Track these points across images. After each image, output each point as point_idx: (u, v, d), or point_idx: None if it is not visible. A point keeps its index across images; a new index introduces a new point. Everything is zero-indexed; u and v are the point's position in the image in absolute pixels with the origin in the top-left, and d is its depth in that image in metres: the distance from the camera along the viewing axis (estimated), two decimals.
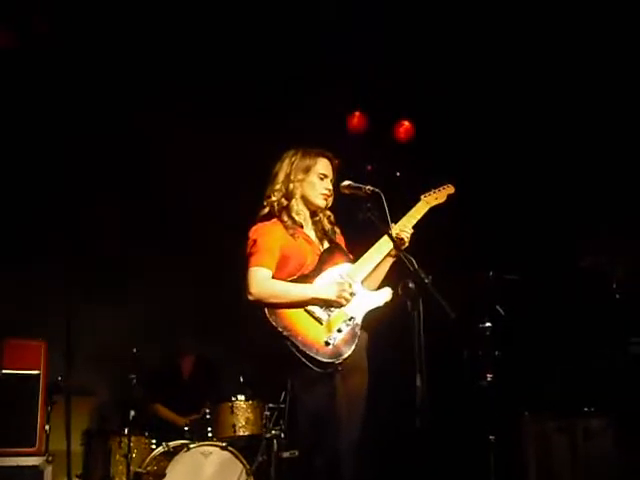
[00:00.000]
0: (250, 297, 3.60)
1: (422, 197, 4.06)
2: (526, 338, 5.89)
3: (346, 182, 3.78)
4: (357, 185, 3.73)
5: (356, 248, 3.89)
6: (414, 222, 3.92)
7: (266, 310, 3.55)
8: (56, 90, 5.98)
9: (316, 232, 3.93)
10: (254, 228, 3.81)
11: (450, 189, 4.16)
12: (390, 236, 3.63)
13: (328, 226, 3.95)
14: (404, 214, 3.96)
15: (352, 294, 3.65)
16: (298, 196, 3.87)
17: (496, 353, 4.95)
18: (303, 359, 3.46)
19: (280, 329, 3.50)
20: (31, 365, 5.27)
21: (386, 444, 6.06)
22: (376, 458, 5.27)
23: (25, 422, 5.18)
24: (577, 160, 6.20)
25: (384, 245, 3.79)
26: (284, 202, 3.85)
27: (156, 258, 6.43)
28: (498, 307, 5.01)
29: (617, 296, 5.22)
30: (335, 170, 3.95)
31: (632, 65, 5.86)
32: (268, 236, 3.74)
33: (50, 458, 5.14)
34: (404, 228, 3.85)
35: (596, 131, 6.12)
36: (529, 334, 5.92)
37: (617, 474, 5.02)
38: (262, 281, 3.62)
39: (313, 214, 3.94)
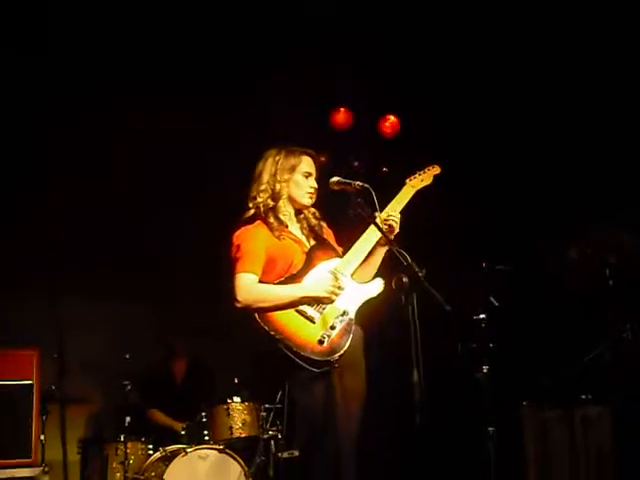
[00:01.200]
0: (238, 304, 3.56)
1: (407, 181, 4.00)
2: (521, 328, 5.88)
3: (335, 178, 3.74)
4: (346, 181, 3.70)
5: (348, 244, 3.85)
6: (401, 207, 3.87)
7: (256, 315, 3.52)
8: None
9: (302, 230, 3.89)
10: (237, 233, 3.75)
11: (436, 169, 4.09)
12: (376, 225, 3.60)
13: (314, 221, 3.91)
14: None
15: (340, 288, 3.61)
16: (285, 196, 3.82)
17: (491, 345, 4.93)
18: (297, 360, 3.43)
19: (272, 333, 3.47)
20: (24, 375, 5.22)
21: (386, 441, 6.05)
22: (376, 456, 5.25)
23: (20, 433, 5.13)
24: (566, 149, 6.20)
25: (372, 235, 3.75)
26: (270, 203, 3.80)
27: (147, 263, 6.39)
28: (492, 298, 4.99)
29: (611, 283, 5.22)
30: (318, 167, 3.91)
31: (620, 59, 5.86)
32: (252, 240, 3.69)
33: (46, 468, 5.09)
34: (391, 213, 3.80)
35: (583, 122, 6.12)
36: (524, 324, 5.91)
37: (615, 462, 5.02)
38: (248, 287, 3.58)
39: (298, 212, 3.90)
